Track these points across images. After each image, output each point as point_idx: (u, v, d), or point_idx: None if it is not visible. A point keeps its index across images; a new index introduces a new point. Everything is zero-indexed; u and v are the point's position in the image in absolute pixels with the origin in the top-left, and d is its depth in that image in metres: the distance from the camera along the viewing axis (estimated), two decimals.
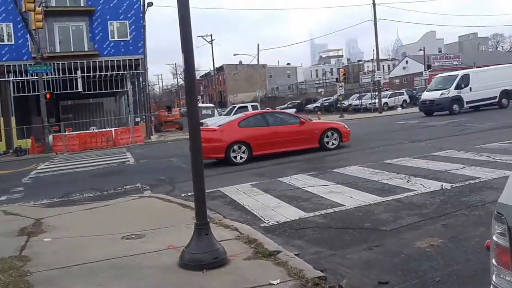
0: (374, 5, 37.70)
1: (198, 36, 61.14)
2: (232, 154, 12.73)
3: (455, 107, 25.12)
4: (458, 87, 25.41)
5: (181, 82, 79.35)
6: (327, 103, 49.11)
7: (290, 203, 7.56)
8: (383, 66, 74.14)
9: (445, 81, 26.78)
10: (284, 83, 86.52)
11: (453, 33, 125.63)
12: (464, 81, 25.65)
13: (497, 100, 26.06)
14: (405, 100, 42.98)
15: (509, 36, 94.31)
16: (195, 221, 4.85)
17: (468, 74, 26.24)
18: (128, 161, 17.60)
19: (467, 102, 25.42)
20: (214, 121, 18.57)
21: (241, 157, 12.82)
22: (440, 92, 25.59)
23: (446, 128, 17.96)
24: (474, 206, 6.40)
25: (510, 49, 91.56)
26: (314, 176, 9.87)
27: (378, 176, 9.17)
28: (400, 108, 38.03)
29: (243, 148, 12.86)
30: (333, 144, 14.01)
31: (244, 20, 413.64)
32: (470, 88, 25.43)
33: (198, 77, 79.41)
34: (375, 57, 43.76)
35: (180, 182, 10.84)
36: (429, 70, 48.18)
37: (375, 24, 37.86)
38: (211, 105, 42.31)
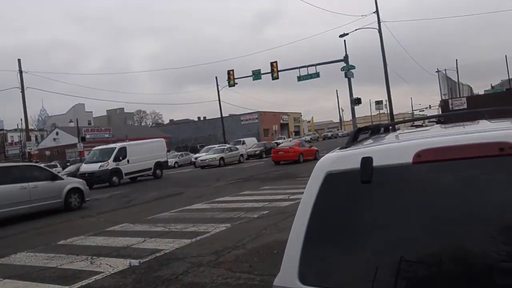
0: (20, 72, 35.64)
1: None
2: None
3: (115, 178, 25.70)
4: (116, 159, 26.22)
5: None
6: None
7: None
8: (31, 136, 69.95)
9: (103, 153, 27.20)
10: None
11: (102, 107, 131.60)
12: (122, 154, 26.72)
13: (152, 171, 28.18)
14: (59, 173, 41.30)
15: (150, 113, 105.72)
16: None
17: (125, 147, 27.50)
18: None
19: (126, 174, 26.46)
20: None
21: None
22: (99, 164, 25.79)
23: (112, 200, 17.99)
24: (169, 280, 6.32)
25: (152, 124, 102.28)
26: None
27: (55, 261, 8.07)
28: None
29: None
30: None
31: None
32: (128, 160, 26.65)
33: None
34: (20, 127, 40.79)
35: None
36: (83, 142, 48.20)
37: (23, 92, 35.70)
38: None
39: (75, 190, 15.64)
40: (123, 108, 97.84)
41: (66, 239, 10.02)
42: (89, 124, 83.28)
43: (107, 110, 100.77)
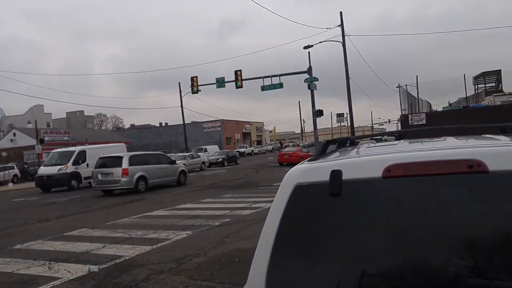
0: None
1: None
2: None
3: (74, 182, 25.17)
4: (75, 162, 25.71)
5: None
6: None
7: None
8: None
9: (62, 156, 26.59)
10: None
11: (61, 109, 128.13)
12: (81, 157, 26.21)
13: None
14: (16, 175, 40.01)
15: (110, 116, 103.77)
16: None
17: (85, 150, 26.98)
18: None
19: (85, 178, 25.83)
20: None
21: None
22: (58, 167, 25.21)
23: (71, 204, 17.62)
24: (129, 287, 6.33)
25: (113, 128, 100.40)
26: None
27: (12, 266, 7.90)
28: (12, 184, 34.98)
29: None
30: None
31: None
32: (87, 164, 26.06)
33: None
34: None
35: None
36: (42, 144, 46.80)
37: None
38: None
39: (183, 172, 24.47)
40: (83, 111, 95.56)
41: (23, 244, 9.79)
42: (48, 126, 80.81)
43: (66, 113, 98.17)
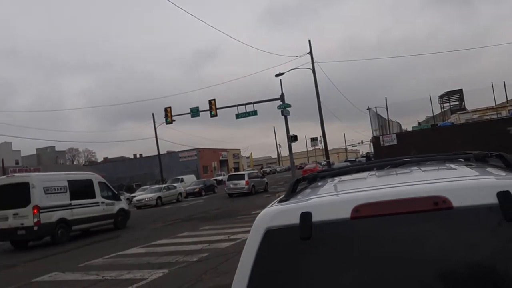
0: None
1: None
2: None
3: None
4: None
5: None
6: None
7: None
8: None
9: None
10: None
11: (31, 145, 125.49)
12: None
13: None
14: None
15: (83, 151, 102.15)
16: None
17: None
18: None
19: None
20: None
21: None
22: None
23: (40, 245, 16.78)
24: None
25: (85, 162, 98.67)
26: None
27: None
28: None
29: None
30: None
31: None
32: None
33: None
34: None
35: None
36: None
37: None
38: None
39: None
40: (54, 147, 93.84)
41: None
42: (17, 163, 78.82)
43: (36, 149, 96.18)
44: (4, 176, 19.16)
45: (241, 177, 35.63)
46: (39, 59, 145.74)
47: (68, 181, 17.75)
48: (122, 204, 21.05)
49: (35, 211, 15.72)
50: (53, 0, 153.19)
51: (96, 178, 19.80)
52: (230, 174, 42.56)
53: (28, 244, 16.78)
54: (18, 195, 15.97)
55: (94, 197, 18.66)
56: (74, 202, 17.41)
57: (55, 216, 16.43)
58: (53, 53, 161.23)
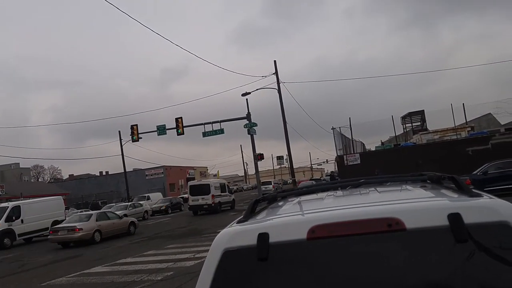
0: None
1: None
2: None
3: (7, 240, 23.76)
4: (9, 219, 24.38)
5: None
6: None
7: None
8: None
9: None
10: None
11: None
12: (15, 213, 24.93)
13: (49, 231, 26.38)
14: None
15: (48, 168, 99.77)
16: None
17: (20, 206, 25.69)
18: None
19: (20, 235, 24.65)
20: None
21: None
22: None
23: (2, 265, 16.61)
24: None
25: (50, 180, 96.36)
26: None
27: None
28: None
29: None
30: None
31: None
32: (22, 220, 24.93)
33: None
34: None
35: None
36: None
37: None
38: None
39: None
40: (18, 163, 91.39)
41: None
42: None
43: (0, 165, 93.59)
44: None
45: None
46: (5, 74, 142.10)
47: None
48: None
49: None
50: (22, 16, 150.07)
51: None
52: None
53: None
54: None
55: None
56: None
57: None
58: (21, 68, 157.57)
